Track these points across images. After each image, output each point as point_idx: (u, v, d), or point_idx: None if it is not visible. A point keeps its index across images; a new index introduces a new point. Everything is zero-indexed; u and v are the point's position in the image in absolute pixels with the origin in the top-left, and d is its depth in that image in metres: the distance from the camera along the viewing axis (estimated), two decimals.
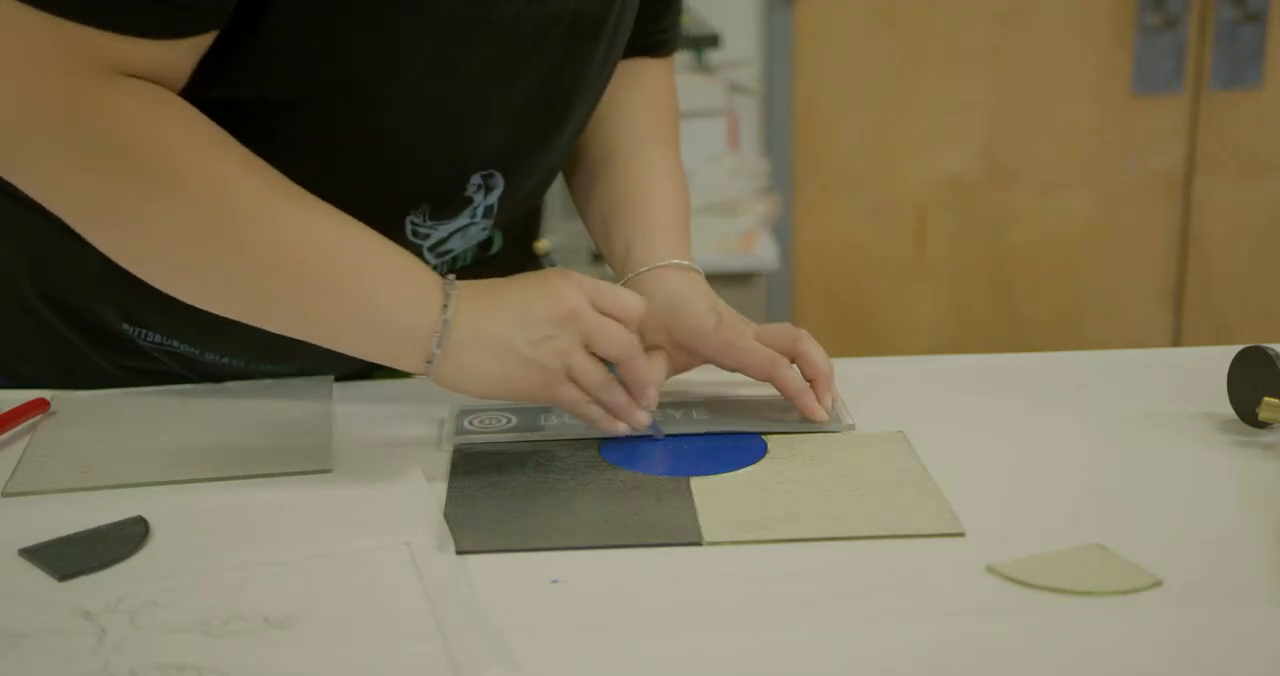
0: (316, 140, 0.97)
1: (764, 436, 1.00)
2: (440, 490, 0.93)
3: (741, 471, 0.95)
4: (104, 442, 1.00)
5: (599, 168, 1.15)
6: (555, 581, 0.81)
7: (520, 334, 0.91)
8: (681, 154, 1.19)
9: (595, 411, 0.95)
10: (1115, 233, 3.11)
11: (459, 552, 0.84)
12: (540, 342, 0.91)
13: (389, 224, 1.01)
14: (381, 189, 1.01)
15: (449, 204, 1.04)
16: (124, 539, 0.86)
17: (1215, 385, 1.04)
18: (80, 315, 1.08)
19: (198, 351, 1.09)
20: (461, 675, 0.71)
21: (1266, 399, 0.97)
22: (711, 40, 2.67)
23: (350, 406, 1.07)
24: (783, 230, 3.03)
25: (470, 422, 1.02)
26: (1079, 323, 3.16)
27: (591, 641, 0.75)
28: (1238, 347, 1.02)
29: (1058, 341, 3.12)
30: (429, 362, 0.91)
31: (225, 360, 1.10)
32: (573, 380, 0.93)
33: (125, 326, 1.08)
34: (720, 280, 2.61)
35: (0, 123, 0.88)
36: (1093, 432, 1.01)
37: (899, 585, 0.80)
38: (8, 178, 0.91)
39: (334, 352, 0.95)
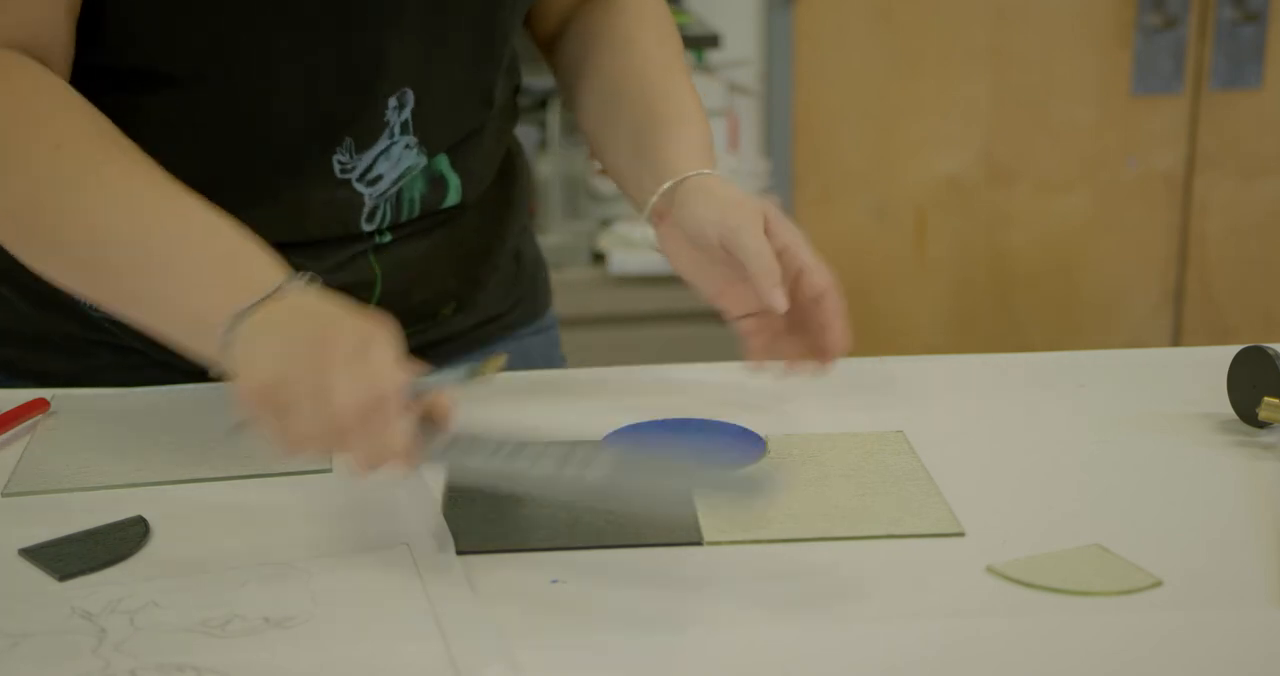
0: (218, 99, 0.99)
1: (764, 436, 1.00)
2: (440, 490, 0.93)
3: (741, 471, 0.95)
4: (104, 442, 1.00)
5: (618, 100, 1.13)
6: (555, 581, 0.81)
7: (303, 364, 0.82)
8: None
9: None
10: (1115, 233, 3.11)
11: (459, 552, 0.84)
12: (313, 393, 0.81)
13: (315, 163, 1.03)
14: (302, 129, 1.02)
15: (369, 131, 1.04)
16: (124, 539, 0.86)
17: (1215, 385, 1.04)
18: (33, 290, 1.08)
19: None
20: (461, 675, 0.71)
21: (1266, 399, 0.97)
22: (711, 40, 2.67)
23: None
24: None
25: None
26: (1078, 322, 3.16)
27: (591, 641, 0.75)
28: (1238, 348, 1.02)
29: (1057, 341, 3.12)
30: (222, 350, 0.85)
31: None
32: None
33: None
34: None
35: None
36: (1092, 433, 1.01)
37: (899, 585, 0.80)
38: None
39: None
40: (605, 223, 2.66)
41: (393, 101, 1.04)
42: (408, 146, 1.07)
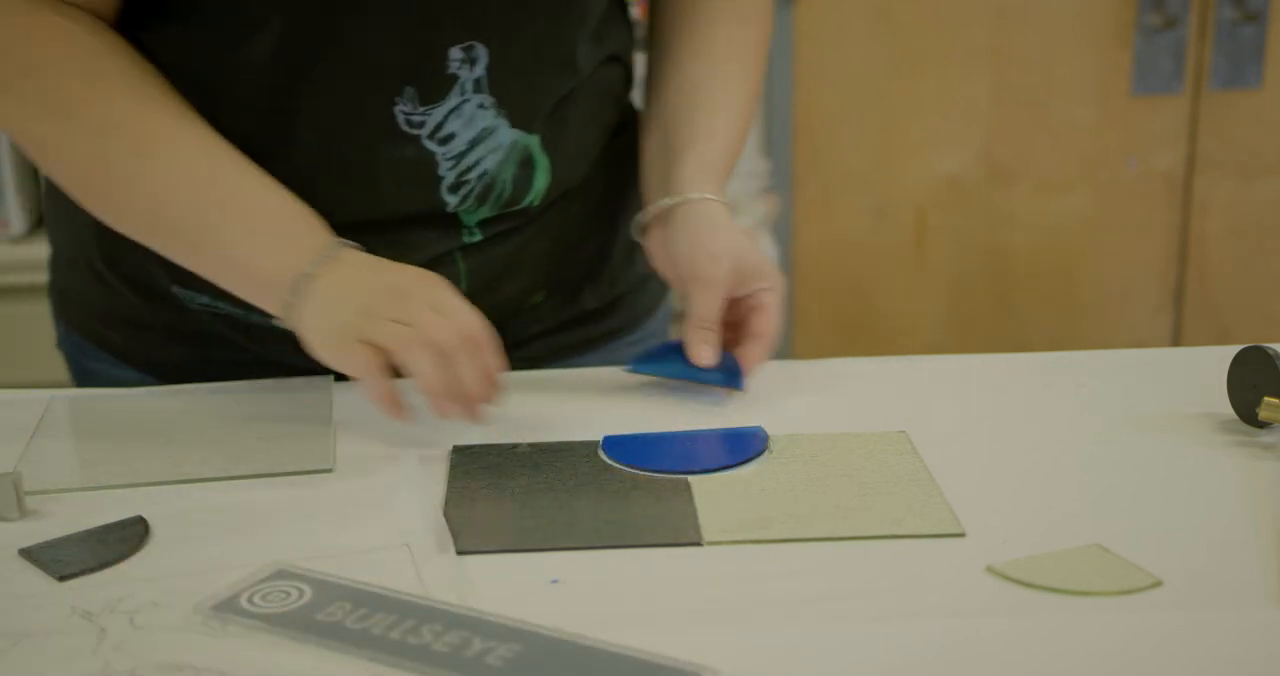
0: (277, 45, 0.99)
1: (766, 436, 1.00)
2: (440, 490, 0.93)
3: (742, 471, 0.95)
4: (104, 442, 1.00)
5: (665, 90, 1.16)
6: (555, 581, 0.81)
7: (360, 312, 0.95)
8: None
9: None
10: (1115, 233, 3.11)
11: (459, 553, 0.84)
12: (374, 327, 0.95)
13: (376, 114, 1.02)
14: (359, 77, 1.01)
15: (433, 84, 1.03)
16: (124, 539, 0.86)
17: (1215, 385, 1.04)
18: (136, 279, 1.11)
19: (243, 312, 1.09)
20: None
21: (1266, 399, 0.97)
22: None
23: (350, 406, 1.07)
24: (783, 230, 3.03)
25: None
26: (1079, 322, 3.16)
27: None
28: (1238, 347, 1.02)
29: (1058, 341, 3.11)
30: (286, 308, 0.98)
31: (273, 321, 1.07)
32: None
33: (175, 288, 1.10)
34: None
35: None
36: (1092, 432, 1.01)
37: (899, 585, 0.80)
38: None
39: None
40: None
41: (456, 52, 1.02)
42: (482, 106, 1.05)
